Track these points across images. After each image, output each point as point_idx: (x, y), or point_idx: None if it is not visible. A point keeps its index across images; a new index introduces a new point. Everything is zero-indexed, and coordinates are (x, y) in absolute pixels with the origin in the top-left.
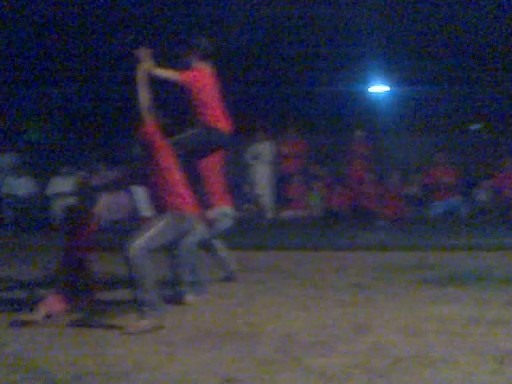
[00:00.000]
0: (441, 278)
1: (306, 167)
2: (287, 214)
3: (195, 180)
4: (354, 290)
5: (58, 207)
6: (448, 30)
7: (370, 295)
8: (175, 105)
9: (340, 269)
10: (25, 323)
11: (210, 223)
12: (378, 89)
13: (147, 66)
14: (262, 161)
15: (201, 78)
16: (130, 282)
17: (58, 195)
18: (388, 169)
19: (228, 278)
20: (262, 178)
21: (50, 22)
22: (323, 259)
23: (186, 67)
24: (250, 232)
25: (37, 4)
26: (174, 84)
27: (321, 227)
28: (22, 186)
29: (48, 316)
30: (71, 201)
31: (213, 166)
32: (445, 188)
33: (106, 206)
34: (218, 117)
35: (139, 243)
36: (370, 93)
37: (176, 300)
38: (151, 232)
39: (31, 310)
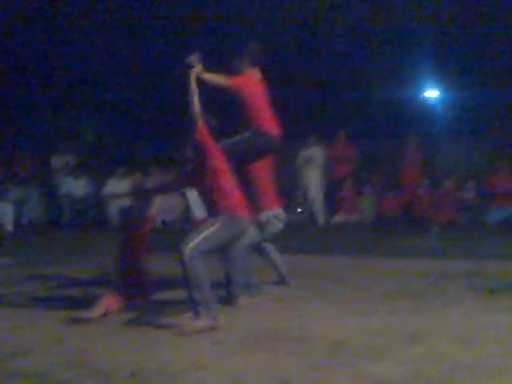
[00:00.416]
0: (496, 287)
1: (357, 172)
2: (338, 218)
3: (246, 183)
4: (406, 297)
5: (113, 208)
6: (502, 33)
7: (423, 302)
8: (226, 109)
9: (392, 275)
10: (82, 321)
11: (261, 226)
12: (433, 93)
13: (198, 71)
14: (314, 165)
15: (250, 83)
16: (185, 283)
17: (114, 196)
18: (443, 174)
19: (280, 282)
20: (313, 182)
21: (106, 26)
22: (375, 265)
23: (235, 72)
24: (302, 236)
25: (97, 10)
26: (224, 89)
27: (372, 233)
28: (79, 187)
29: (104, 314)
30: (126, 202)
31: (264, 170)
32: (503, 196)
33: (160, 207)
34: (267, 121)
35: (193, 245)
36: (425, 97)
37: (229, 301)
38: (205, 234)
39: (88, 308)
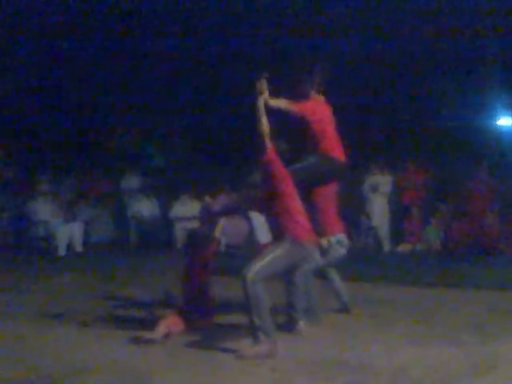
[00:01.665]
0: None
1: (425, 200)
2: (404, 247)
3: (310, 208)
4: (471, 329)
5: (179, 230)
6: None
7: (488, 335)
8: (294, 133)
9: (457, 306)
10: (144, 341)
11: (324, 251)
12: (507, 121)
13: (265, 97)
14: (380, 192)
15: (317, 108)
16: (246, 308)
17: (181, 218)
18: None
19: (342, 309)
20: (379, 209)
21: (176, 50)
22: (440, 296)
23: (301, 96)
24: (366, 264)
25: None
26: (290, 115)
27: (439, 262)
28: (147, 209)
29: (167, 336)
30: (193, 224)
31: (328, 195)
32: None
33: (225, 230)
34: (333, 147)
35: (256, 270)
36: (498, 125)
37: (289, 328)
38: (269, 259)
39: (151, 329)
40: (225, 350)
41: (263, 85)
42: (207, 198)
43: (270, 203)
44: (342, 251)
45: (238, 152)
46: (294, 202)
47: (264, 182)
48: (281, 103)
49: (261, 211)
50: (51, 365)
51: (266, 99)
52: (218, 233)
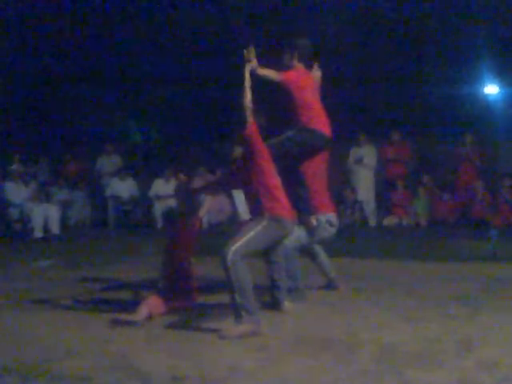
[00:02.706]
0: None
1: (411, 173)
2: (390, 221)
3: (298, 185)
4: (459, 303)
5: (159, 209)
6: None
7: (477, 309)
8: (274, 108)
9: (445, 280)
10: (126, 323)
11: (312, 230)
12: (493, 89)
13: (253, 66)
14: (365, 165)
15: (302, 78)
16: (228, 287)
17: (160, 197)
18: (500, 175)
19: (328, 286)
20: (364, 183)
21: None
22: (427, 270)
23: (285, 67)
24: (352, 239)
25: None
26: (274, 84)
27: (426, 236)
28: (125, 188)
29: (148, 317)
30: (172, 203)
31: (317, 172)
32: None
33: (208, 208)
34: (317, 118)
35: (236, 248)
36: (484, 94)
37: (274, 306)
38: (248, 236)
39: (132, 311)
40: (207, 331)
41: (251, 53)
42: (181, 176)
43: (247, 179)
44: (332, 231)
45: (217, 126)
46: (273, 179)
47: (242, 158)
48: (269, 72)
49: (239, 187)
50: (34, 351)
51: (253, 67)
52: (202, 211)
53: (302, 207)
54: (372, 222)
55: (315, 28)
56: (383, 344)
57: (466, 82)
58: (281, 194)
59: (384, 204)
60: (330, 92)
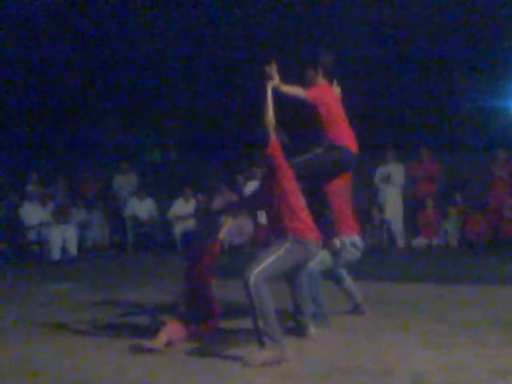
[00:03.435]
0: None
1: (441, 191)
2: (419, 242)
3: (322, 206)
4: (494, 329)
5: (179, 230)
6: None
7: None
8: (298, 127)
9: (478, 304)
10: (145, 350)
11: (336, 253)
12: None
13: (276, 83)
14: (393, 184)
15: (327, 94)
16: (250, 312)
17: (180, 218)
18: None
19: (354, 311)
20: (392, 202)
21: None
22: (459, 293)
23: (308, 84)
24: (379, 261)
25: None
26: (300, 101)
27: (456, 257)
28: (144, 208)
29: (168, 344)
30: (192, 224)
31: (341, 192)
32: None
33: (228, 230)
34: (343, 135)
35: (258, 271)
36: None
37: (298, 332)
38: (271, 259)
39: (152, 336)
40: (230, 358)
41: (273, 69)
42: (200, 197)
43: (269, 200)
44: (356, 254)
45: (237, 145)
46: (296, 199)
47: (265, 177)
48: (292, 89)
49: (262, 208)
50: (48, 381)
51: (276, 85)
52: (222, 233)
53: (326, 229)
54: (400, 243)
55: (339, 40)
56: (412, 373)
57: (497, 96)
58: (305, 215)
59: (413, 224)
60: (356, 106)
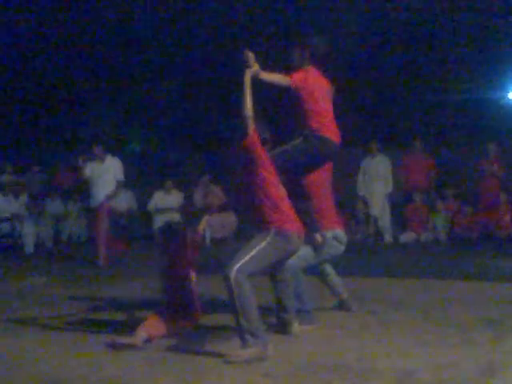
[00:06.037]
0: None
1: (430, 185)
2: (407, 237)
3: (302, 199)
4: (481, 326)
5: (160, 223)
6: None
7: (501, 332)
8: (279, 122)
9: (466, 301)
10: (123, 346)
11: (319, 247)
12: None
13: (255, 71)
14: (379, 177)
15: (312, 80)
16: (232, 309)
17: (160, 210)
18: None
19: (339, 307)
20: (378, 195)
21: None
22: (447, 289)
23: (294, 69)
24: (365, 257)
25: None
26: (281, 89)
27: (445, 253)
28: (123, 200)
29: (147, 340)
30: (174, 217)
31: (322, 184)
32: None
33: (210, 223)
34: (324, 125)
35: (240, 266)
36: (508, 99)
37: (281, 329)
38: (252, 253)
39: (130, 332)
40: (211, 355)
41: (251, 57)
42: (187, 188)
43: (249, 192)
44: (340, 248)
45: (218, 134)
46: (277, 190)
47: (244, 169)
48: (273, 75)
49: (242, 201)
50: (24, 377)
51: (256, 73)
52: (202, 227)
53: (308, 223)
54: (387, 238)
55: (329, 29)
56: (398, 371)
57: (488, 88)
58: (287, 207)
59: (400, 219)
60: (342, 97)
